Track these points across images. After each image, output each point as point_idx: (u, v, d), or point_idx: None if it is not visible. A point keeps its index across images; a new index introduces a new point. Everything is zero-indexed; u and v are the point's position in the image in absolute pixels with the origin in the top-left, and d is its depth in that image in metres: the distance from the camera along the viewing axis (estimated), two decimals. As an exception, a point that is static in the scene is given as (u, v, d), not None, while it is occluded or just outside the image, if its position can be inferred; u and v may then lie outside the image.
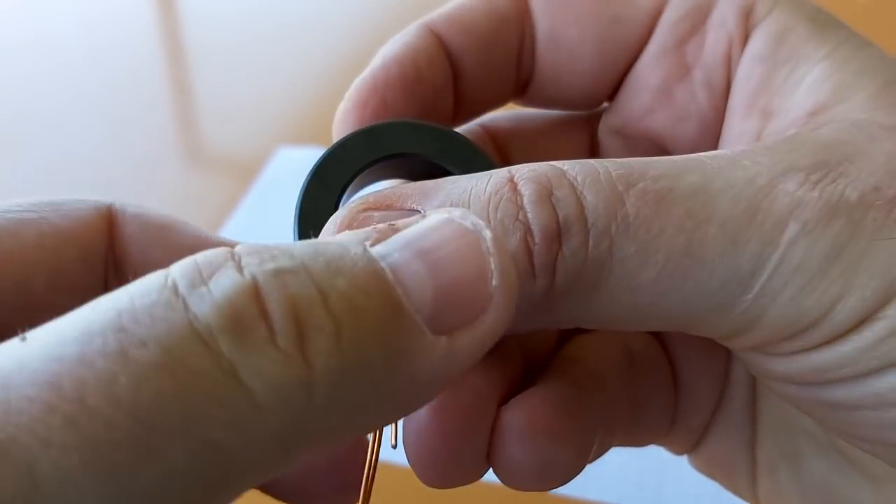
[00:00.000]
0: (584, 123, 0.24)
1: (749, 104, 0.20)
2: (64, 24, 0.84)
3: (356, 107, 0.20)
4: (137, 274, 0.18)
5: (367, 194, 0.17)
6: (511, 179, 0.16)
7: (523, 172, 0.16)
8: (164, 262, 0.18)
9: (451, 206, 0.16)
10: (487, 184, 0.16)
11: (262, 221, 0.57)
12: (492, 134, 0.23)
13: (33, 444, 0.10)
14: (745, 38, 0.20)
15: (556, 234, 0.15)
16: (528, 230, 0.15)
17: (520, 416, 0.18)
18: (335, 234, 0.16)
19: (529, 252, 0.15)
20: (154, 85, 0.75)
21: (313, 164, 0.18)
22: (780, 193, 0.15)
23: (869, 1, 0.55)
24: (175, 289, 0.11)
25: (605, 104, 0.23)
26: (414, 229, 0.14)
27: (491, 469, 0.19)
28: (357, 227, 0.15)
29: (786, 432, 0.22)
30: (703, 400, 0.23)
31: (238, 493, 0.12)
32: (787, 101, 0.19)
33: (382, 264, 0.13)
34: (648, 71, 0.21)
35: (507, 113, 0.24)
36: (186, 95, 0.76)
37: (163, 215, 0.20)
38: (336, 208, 0.18)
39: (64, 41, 0.81)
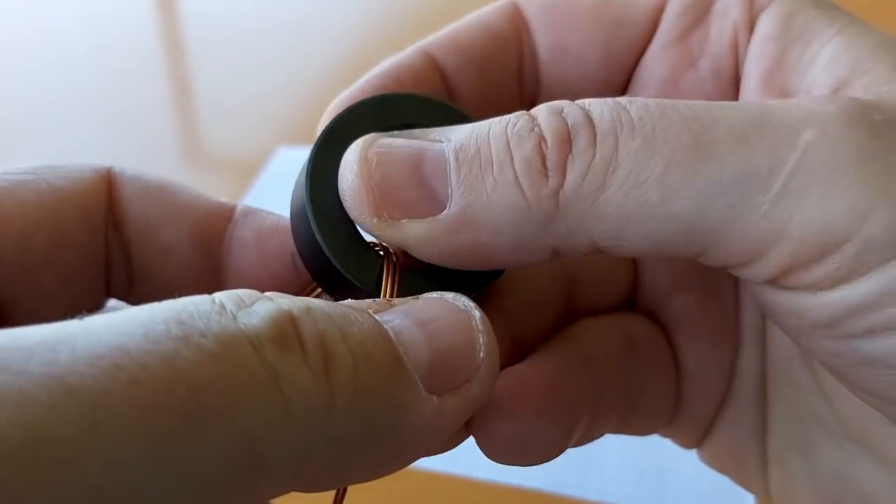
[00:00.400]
0: None
1: (764, 83, 0.20)
2: (64, 24, 0.84)
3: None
4: (138, 231, 0.20)
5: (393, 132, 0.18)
6: (526, 111, 0.17)
7: (539, 106, 0.17)
8: (163, 220, 0.20)
9: (475, 131, 0.17)
10: (508, 116, 0.17)
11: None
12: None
13: (98, 392, 0.11)
14: (751, 24, 0.20)
15: (566, 137, 0.16)
16: (540, 137, 0.16)
17: (501, 387, 0.18)
18: (356, 155, 0.17)
19: (542, 155, 0.16)
20: (154, 85, 0.75)
21: (323, 127, 0.19)
22: (793, 106, 0.15)
23: (868, 1, 0.55)
24: (223, 306, 0.13)
25: None
26: (411, 304, 0.15)
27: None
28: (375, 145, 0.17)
29: (797, 421, 0.21)
30: (708, 390, 0.23)
31: (250, 500, 0.12)
32: (804, 78, 0.19)
33: (386, 327, 0.14)
34: (654, 65, 0.22)
35: None
36: (186, 95, 0.76)
37: (160, 177, 0.21)
38: None
39: (64, 41, 0.81)
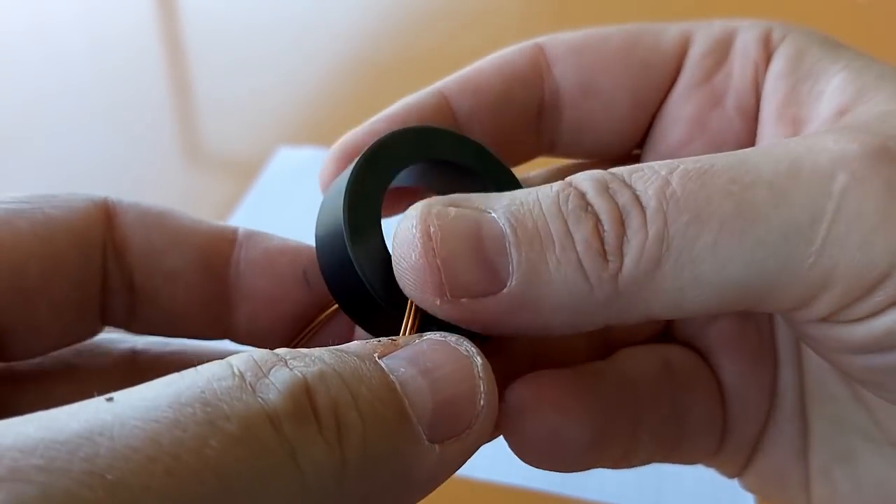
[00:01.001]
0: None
1: (778, 115, 0.21)
2: (64, 24, 0.84)
3: (341, 158, 0.21)
4: (141, 258, 0.20)
5: (437, 197, 0.17)
6: (569, 182, 0.17)
7: (578, 176, 0.17)
8: (167, 245, 0.20)
9: (519, 204, 0.16)
10: (550, 187, 0.17)
11: (263, 221, 0.57)
12: None
13: (137, 487, 0.11)
14: (768, 62, 0.21)
15: (620, 218, 0.16)
16: (597, 219, 0.16)
17: (528, 387, 0.19)
18: (403, 228, 0.17)
19: (601, 238, 0.16)
20: (154, 85, 0.75)
21: (366, 148, 0.19)
22: (820, 150, 0.16)
23: (869, 1, 0.55)
24: (243, 377, 0.13)
25: (636, 151, 0.24)
26: (416, 349, 0.16)
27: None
28: (424, 217, 0.17)
29: (837, 433, 0.22)
30: (753, 411, 0.23)
31: None
32: (813, 109, 0.20)
33: (392, 377, 0.15)
34: (681, 105, 0.22)
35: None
36: (186, 95, 0.76)
37: (158, 205, 0.21)
38: (382, 195, 0.18)
39: (64, 41, 0.81)
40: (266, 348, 0.20)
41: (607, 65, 0.22)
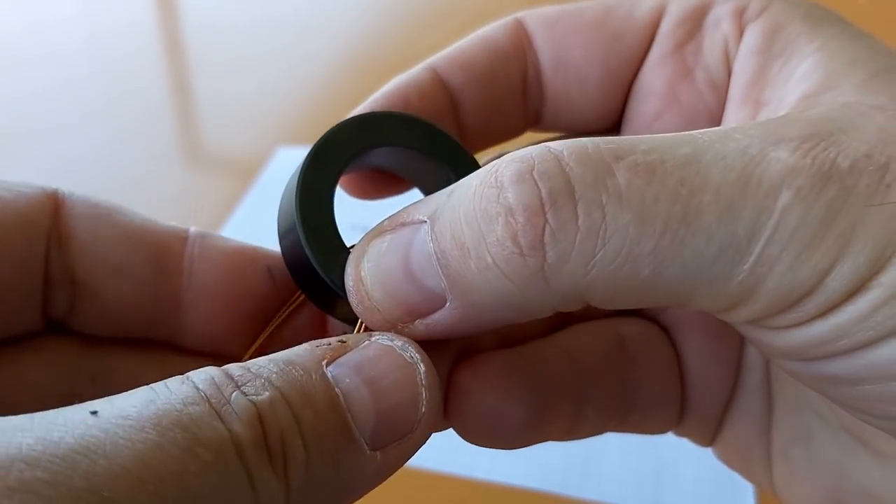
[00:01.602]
0: None
1: (744, 95, 0.20)
2: (64, 24, 0.84)
3: None
4: (85, 251, 0.20)
5: (382, 220, 0.18)
6: (495, 166, 0.16)
7: (506, 157, 0.16)
8: (116, 240, 0.20)
9: (450, 209, 0.16)
10: (473, 180, 0.16)
11: (262, 221, 0.57)
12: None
13: None
14: (741, 35, 0.21)
15: (540, 208, 0.15)
16: (508, 210, 0.15)
17: (466, 370, 0.19)
18: (355, 256, 0.18)
19: (514, 233, 0.15)
20: (154, 85, 0.75)
21: (311, 146, 0.19)
22: (772, 161, 0.15)
23: (868, 1, 0.55)
24: (209, 402, 0.14)
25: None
26: (363, 353, 0.16)
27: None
28: (376, 243, 0.18)
29: (799, 414, 0.22)
30: (714, 388, 0.23)
31: None
32: (778, 90, 0.19)
33: (337, 390, 0.16)
34: (652, 77, 0.22)
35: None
36: (186, 95, 0.76)
37: (108, 201, 0.21)
38: (334, 188, 0.19)
39: (64, 41, 0.81)
40: (223, 350, 0.21)
41: (579, 38, 0.22)
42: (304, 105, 0.70)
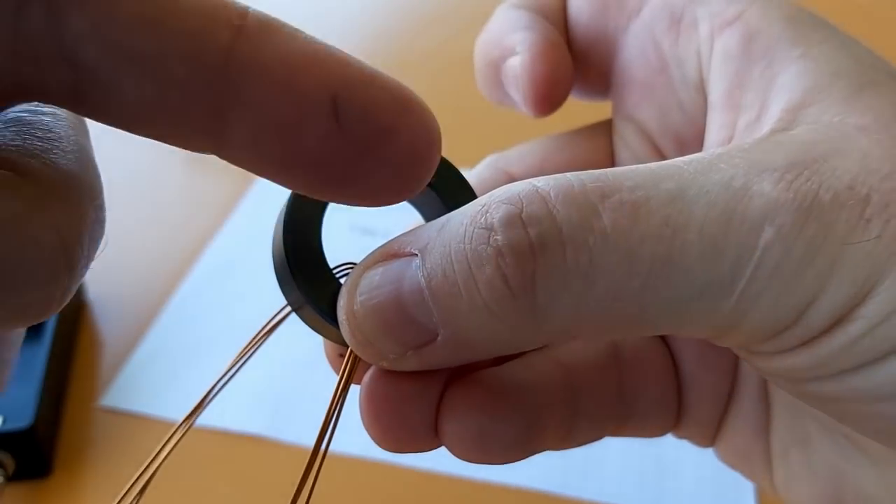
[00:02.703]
0: (604, 127, 0.25)
1: (726, 98, 0.20)
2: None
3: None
4: (87, 33, 0.13)
5: (373, 251, 0.18)
6: (485, 206, 0.16)
7: (496, 196, 0.16)
8: (131, 21, 0.13)
9: (442, 246, 0.16)
10: (464, 217, 0.16)
11: (262, 222, 0.57)
12: (515, 174, 0.24)
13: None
14: (713, 39, 0.21)
15: (529, 251, 0.15)
16: (499, 253, 0.15)
17: (457, 391, 0.19)
18: (352, 284, 0.18)
19: (504, 276, 0.15)
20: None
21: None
22: (756, 195, 0.16)
23: (868, 1, 0.55)
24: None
25: None
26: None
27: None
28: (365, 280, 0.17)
29: (796, 418, 0.22)
30: (711, 393, 0.23)
31: None
32: (760, 96, 0.19)
33: None
34: (633, 67, 0.23)
35: (525, 147, 0.25)
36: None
37: None
38: (321, 217, 0.19)
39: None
40: (272, 178, 0.16)
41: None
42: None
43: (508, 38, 0.23)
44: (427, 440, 0.19)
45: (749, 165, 0.16)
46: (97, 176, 0.16)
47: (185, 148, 0.16)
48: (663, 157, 0.23)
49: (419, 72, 0.71)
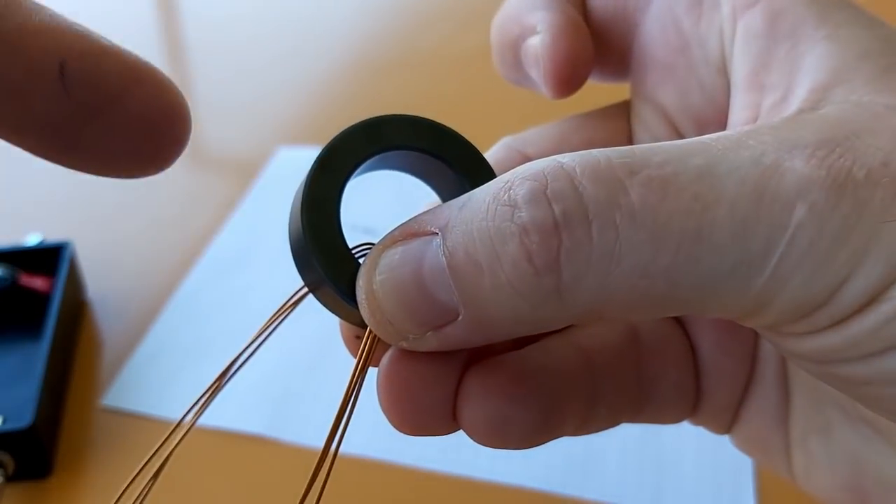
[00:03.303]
0: (621, 109, 0.25)
1: (750, 79, 0.20)
2: (64, 24, 0.84)
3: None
4: None
5: (393, 229, 0.18)
6: (508, 182, 0.16)
7: (519, 172, 0.16)
8: None
9: (464, 223, 0.16)
10: (486, 194, 0.16)
11: (262, 221, 0.57)
12: (531, 155, 0.24)
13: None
14: (738, 17, 0.20)
15: (554, 228, 0.15)
16: (523, 230, 0.15)
17: (476, 375, 0.19)
18: (374, 258, 0.17)
19: (528, 253, 0.15)
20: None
21: (317, 153, 0.19)
22: (787, 172, 0.15)
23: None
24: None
25: None
26: None
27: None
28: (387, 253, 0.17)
29: (816, 405, 0.22)
30: (729, 379, 0.23)
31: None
32: (785, 76, 0.19)
33: None
34: (653, 47, 0.23)
35: (541, 129, 0.25)
36: (186, 95, 0.76)
37: None
38: (340, 196, 0.19)
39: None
40: (12, 142, 0.16)
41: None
42: (304, 105, 0.70)
43: (528, 17, 0.23)
44: (445, 424, 0.19)
45: (779, 142, 0.16)
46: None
47: None
48: (683, 139, 0.23)
49: (420, 70, 0.72)
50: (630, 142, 0.24)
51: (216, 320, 0.50)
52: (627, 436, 0.41)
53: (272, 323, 0.21)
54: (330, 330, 0.22)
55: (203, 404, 0.20)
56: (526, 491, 0.39)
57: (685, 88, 0.22)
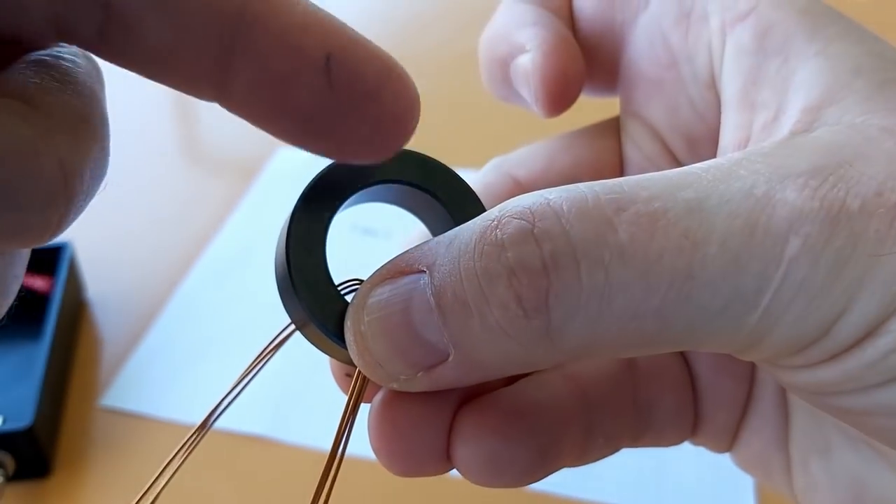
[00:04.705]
0: (611, 126, 0.24)
1: (741, 96, 0.20)
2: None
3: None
4: None
5: (381, 267, 0.17)
6: (495, 220, 0.16)
7: (506, 210, 0.16)
8: None
9: (451, 263, 0.16)
10: (473, 233, 0.16)
11: (262, 221, 0.57)
12: (521, 178, 0.23)
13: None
14: (727, 31, 0.20)
15: (543, 270, 0.15)
16: (511, 272, 0.15)
17: (469, 415, 0.19)
18: (359, 307, 0.17)
19: (517, 295, 0.15)
20: (154, 85, 0.75)
21: (302, 189, 0.19)
22: (779, 204, 0.15)
23: (868, 0, 0.54)
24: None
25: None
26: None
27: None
28: (378, 291, 0.17)
29: (816, 427, 0.22)
30: (728, 400, 0.23)
31: None
32: (777, 94, 0.19)
33: None
34: (641, 63, 0.22)
35: (530, 149, 0.24)
36: (186, 95, 0.76)
37: None
38: (325, 233, 0.18)
39: (64, 41, 0.81)
40: (263, 127, 0.17)
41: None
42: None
43: (517, 35, 0.23)
44: (439, 464, 0.19)
45: (771, 171, 0.15)
46: (105, 121, 0.17)
47: (191, 94, 0.17)
48: (673, 156, 0.23)
49: (420, 70, 0.71)
50: (620, 160, 0.24)
51: (215, 320, 0.50)
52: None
53: (263, 358, 0.21)
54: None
55: (192, 444, 0.20)
56: (526, 491, 0.39)
57: (674, 105, 0.22)
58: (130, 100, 0.72)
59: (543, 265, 0.15)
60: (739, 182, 0.15)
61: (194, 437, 0.20)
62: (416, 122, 0.17)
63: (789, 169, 0.15)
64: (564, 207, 0.15)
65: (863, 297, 0.15)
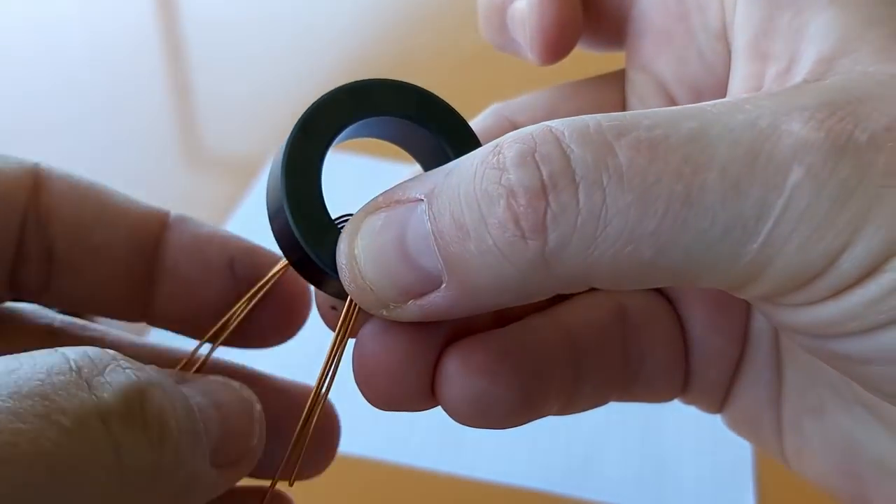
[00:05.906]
0: (615, 78, 0.24)
1: (752, 47, 0.19)
2: (64, 22, 0.84)
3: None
4: (66, 229, 0.20)
5: (377, 195, 0.17)
6: (497, 146, 0.16)
7: (508, 136, 0.16)
8: (98, 220, 0.21)
9: (449, 188, 0.16)
10: (474, 159, 0.16)
11: (262, 221, 0.57)
12: (521, 123, 0.23)
13: None
14: None
15: (541, 191, 0.15)
16: (510, 193, 0.15)
17: (456, 352, 0.19)
18: (350, 232, 0.17)
19: (515, 216, 0.15)
20: (154, 85, 0.75)
21: (300, 115, 0.19)
22: (784, 134, 0.15)
23: None
24: (80, 373, 0.15)
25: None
26: (206, 383, 0.19)
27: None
28: (369, 222, 0.17)
29: (809, 386, 0.21)
30: (720, 357, 0.23)
31: None
32: (790, 45, 0.18)
33: (192, 402, 0.17)
34: (651, 15, 0.22)
35: (532, 96, 0.24)
36: (186, 96, 0.76)
37: (91, 180, 0.22)
38: (321, 162, 0.18)
39: (64, 40, 0.81)
40: (183, 332, 0.22)
41: None
42: (303, 105, 0.70)
43: None
44: (422, 401, 0.19)
45: (776, 106, 0.15)
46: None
47: (120, 318, 0.22)
48: None
49: (419, 70, 0.72)
50: (624, 110, 0.23)
51: (216, 320, 0.50)
52: (627, 436, 0.42)
53: (251, 299, 0.21)
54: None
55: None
56: (526, 491, 0.39)
57: (683, 57, 0.22)
58: (130, 99, 0.73)
59: (542, 186, 0.15)
60: (744, 115, 0.15)
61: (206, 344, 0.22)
62: (308, 309, 0.22)
63: (796, 104, 0.15)
64: (566, 133, 0.15)
65: (868, 230, 0.14)
